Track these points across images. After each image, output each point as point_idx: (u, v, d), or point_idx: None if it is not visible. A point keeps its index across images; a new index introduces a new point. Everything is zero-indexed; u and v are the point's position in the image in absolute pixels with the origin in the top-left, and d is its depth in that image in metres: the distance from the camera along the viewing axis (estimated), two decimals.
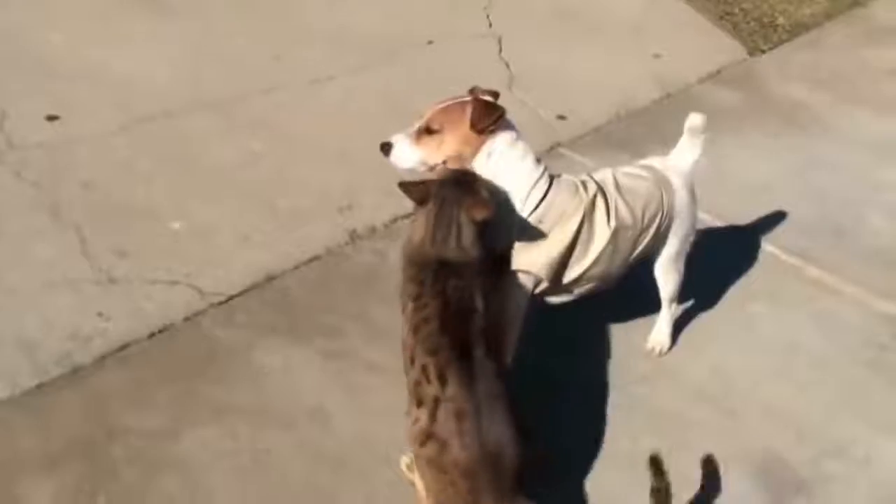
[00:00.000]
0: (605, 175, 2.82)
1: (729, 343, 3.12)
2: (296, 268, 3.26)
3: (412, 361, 2.32)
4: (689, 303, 3.23)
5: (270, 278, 3.20)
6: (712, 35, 5.24)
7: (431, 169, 2.65)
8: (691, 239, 2.95)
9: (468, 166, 2.61)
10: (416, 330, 2.33)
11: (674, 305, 3.05)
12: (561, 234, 2.65)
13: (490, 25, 5.07)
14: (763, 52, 5.08)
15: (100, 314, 2.98)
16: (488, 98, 2.65)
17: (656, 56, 4.91)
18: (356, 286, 3.21)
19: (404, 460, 2.53)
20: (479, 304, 2.34)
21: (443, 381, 2.23)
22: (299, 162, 3.83)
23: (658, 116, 4.37)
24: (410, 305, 2.39)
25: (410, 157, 2.65)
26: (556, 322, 2.99)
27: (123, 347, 2.88)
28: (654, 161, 2.95)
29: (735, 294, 3.32)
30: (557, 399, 2.83)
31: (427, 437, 2.23)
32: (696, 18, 5.38)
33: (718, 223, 3.61)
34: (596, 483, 2.63)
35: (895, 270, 3.48)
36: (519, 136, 2.65)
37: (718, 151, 4.07)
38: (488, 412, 2.22)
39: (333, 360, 2.91)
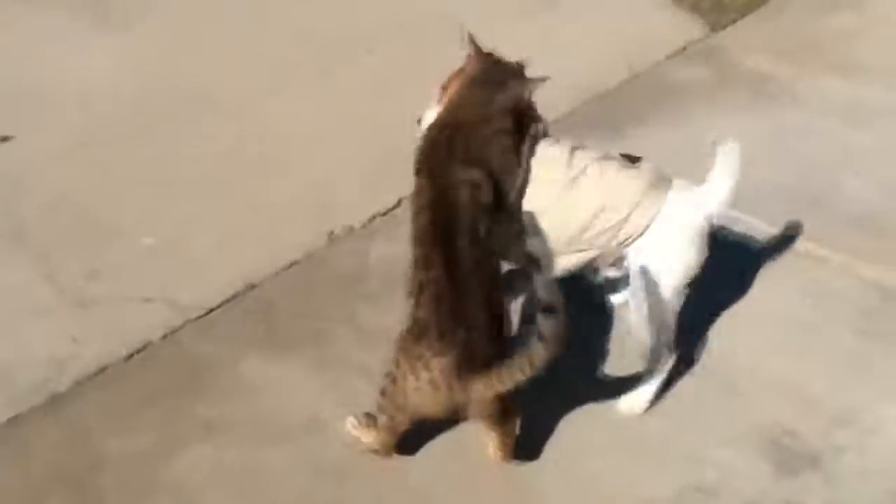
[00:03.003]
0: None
1: (723, 318, 3.06)
2: (276, 275, 3.15)
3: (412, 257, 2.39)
4: None
5: (250, 287, 3.09)
6: (672, 12, 5.17)
7: None
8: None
9: None
10: (413, 219, 2.41)
11: (660, 368, 2.72)
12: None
13: (448, 15, 4.97)
14: (724, 26, 5.03)
15: (74, 339, 2.86)
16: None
17: (619, 36, 4.84)
18: (340, 289, 3.11)
19: (350, 420, 2.47)
20: (465, 196, 2.37)
21: (428, 266, 2.31)
22: (269, 166, 3.71)
23: (628, 97, 4.32)
24: (413, 201, 2.45)
25: None
26: None
27: (101, 371, 2.76)
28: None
29: (723, 268, 3.23)
30: (556, 387, 2.75)
31: (411, 321, 2.30)
32: (644, 5, 5.32)
33: None
34: (605, 466, 2.56)
35: (878, 235, 3.43)
36: None
37: (692, 128, 4.04)
38: (467, 298, 2.27)
39: (324, 368, 2.81)
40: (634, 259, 2.61)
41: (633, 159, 2.69)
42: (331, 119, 4.02)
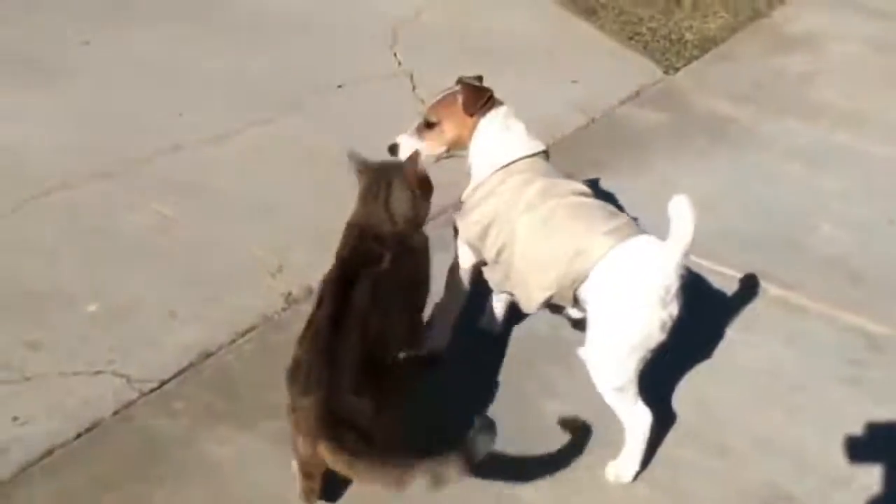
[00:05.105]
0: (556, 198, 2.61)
1: (706, 374, 2.94)
2: (232, 342, 2.95)
3: None
4: None
5: (205, 356, 2.89)
6: (625, 56, 5.14)
7: (438, 160, 2.76)
8: (627, 348, 2.43)
9: (467, 147, 2.76)
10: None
11: (636, 432, 2.55)
12: (479, 213, 2.68)
13: (399, 64, 4.86)
14: (677, 69, 5.00)
15: (15, 418, 2.63)
16: (475, 83, 2.79)
17: (574, 82, 4.77)
18: None
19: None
20: (386, 258, 2.41)
21: (319, 305, 2.34)
22: (217, 224, 3.52)
23: (586, 143, 4.24)
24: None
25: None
26: (531, 362, 2.81)
27: (48, 453, 2.53)
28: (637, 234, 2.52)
29: (701, 322, 3.12)
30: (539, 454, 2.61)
31: (293, 360, 2.29)
32: (605, 41, 5.28)
33: None
34: None
35: (856, 281, 3.37)
36: (507, 113, 2.75)
37: (653, 174, 3.96)
38: (345, 346, 2.22)
39: (288, 441, 2.60)
40: (590, 310, 2.49)
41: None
42: (275, 174, 3.86)
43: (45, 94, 4.33)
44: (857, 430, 2.75)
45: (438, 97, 2.81)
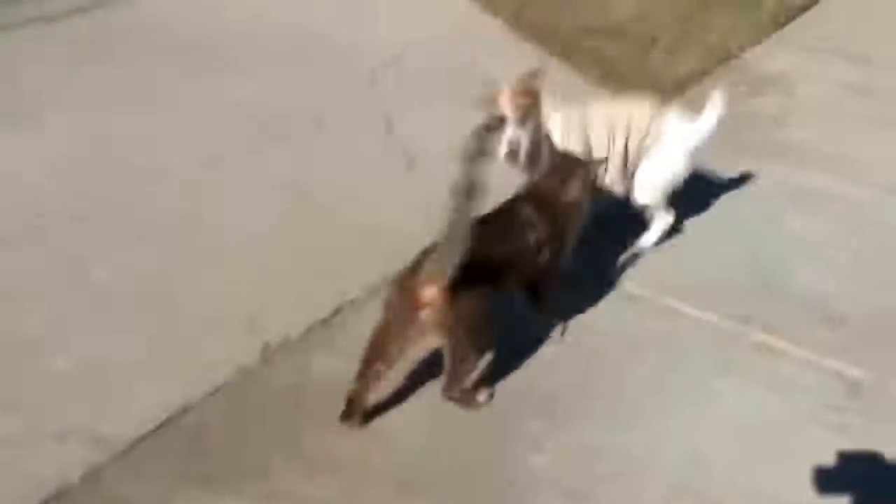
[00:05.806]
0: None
1: (694, 425, 2.88)
2: (207, 398, 2.86)
3: None
4: (645, 384, 3.02)
5: (179, 414, 2.79)
6: (599, 98, 5.12)
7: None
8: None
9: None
10: None
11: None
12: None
13: (377, 103, 4.81)
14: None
15: None
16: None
17: None
18: (280, 411, 2.83)
19: None
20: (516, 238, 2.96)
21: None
22: (193, 271, 3.43)
23: None
24: None
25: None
26: (514, 417, 2.73)
27: None
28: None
29: (687, 370, 3.10)
30: None
31: None
32: (577, 82, 5.27)
33: (646, 294, 3.43)
34: None
35: (835, 325, 3.34)
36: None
37: None
38: None
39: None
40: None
41: None
42: (256, 216, 3.80)
43: (15, 133, 4.24)
44: (842, 479, 2.72)
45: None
